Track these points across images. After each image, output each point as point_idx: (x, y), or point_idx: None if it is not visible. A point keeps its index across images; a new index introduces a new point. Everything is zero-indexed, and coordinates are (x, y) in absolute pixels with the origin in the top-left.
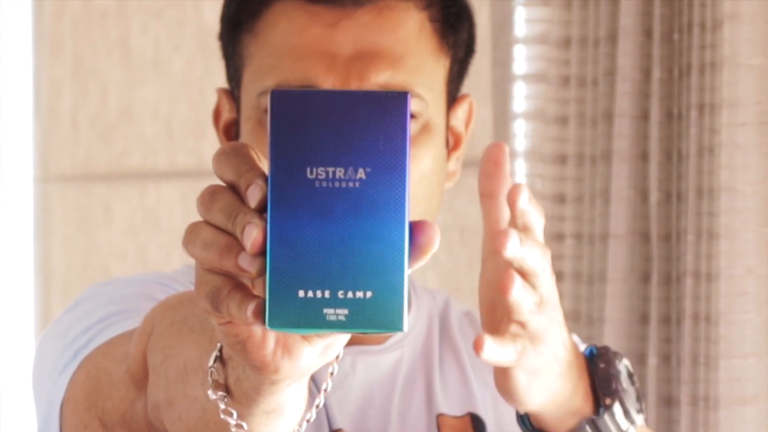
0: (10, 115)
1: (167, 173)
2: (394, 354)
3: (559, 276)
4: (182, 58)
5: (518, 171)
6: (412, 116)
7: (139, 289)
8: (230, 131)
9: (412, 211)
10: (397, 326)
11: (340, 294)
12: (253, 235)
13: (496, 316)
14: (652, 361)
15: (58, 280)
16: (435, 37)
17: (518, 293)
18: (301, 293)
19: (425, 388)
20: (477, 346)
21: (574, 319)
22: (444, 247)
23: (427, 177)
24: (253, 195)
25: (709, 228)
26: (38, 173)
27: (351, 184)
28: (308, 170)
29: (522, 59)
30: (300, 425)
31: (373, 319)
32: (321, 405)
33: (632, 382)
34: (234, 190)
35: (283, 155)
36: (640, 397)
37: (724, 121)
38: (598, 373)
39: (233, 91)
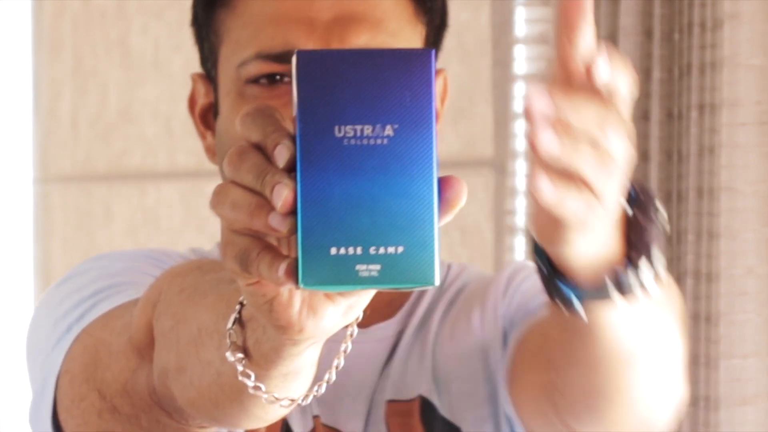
0: (10, 115)
1: (167, 173)
2: (375, 337)
3: None
4: (182, 58)
5: (518, 171)
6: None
7: (130, 264)
8: (206, 117)
9: None
10: (429, 280)
11: (372, 250)
12: (283, 194)
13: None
14: None
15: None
16: (411, 3)
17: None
18: (333, 251)
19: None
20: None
21: None
22: (444, 247)
23: None
24: (281, 155)
25: (709, 228)
26: (38, 173)
27: (379, 141)
28: (336, 129)
29: (522, 59)
30: (320, 386)
31: (406, 274)
32: (332, 380)
33: (664, 230)
34: (261, 150)
35: (310, 115)
36: (665, 240)
37: (724, 121)
38: (632, 224)
39: (209, 74)
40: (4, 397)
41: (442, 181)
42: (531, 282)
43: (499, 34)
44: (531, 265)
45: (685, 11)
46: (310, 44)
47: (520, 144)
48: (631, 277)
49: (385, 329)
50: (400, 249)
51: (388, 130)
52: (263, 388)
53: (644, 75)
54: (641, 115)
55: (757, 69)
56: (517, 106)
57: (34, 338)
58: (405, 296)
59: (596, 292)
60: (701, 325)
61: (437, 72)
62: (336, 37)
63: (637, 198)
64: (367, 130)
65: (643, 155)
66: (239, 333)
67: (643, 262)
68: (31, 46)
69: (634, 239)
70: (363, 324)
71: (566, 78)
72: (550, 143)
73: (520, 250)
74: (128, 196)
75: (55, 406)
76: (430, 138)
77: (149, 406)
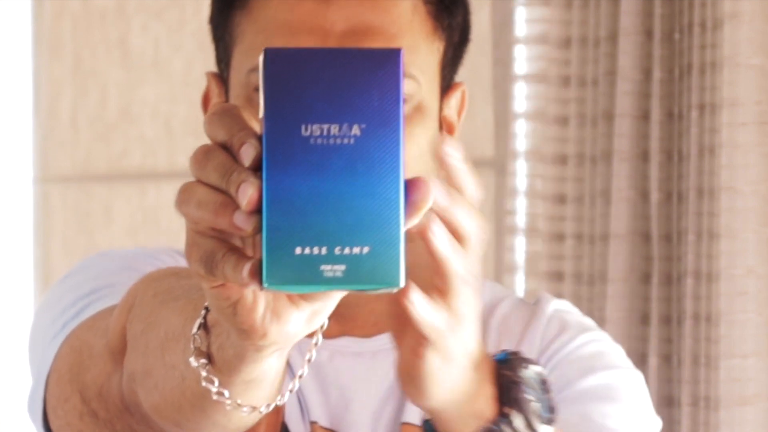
0: (10, 115)
1: (167, 173)
2: (377, 347)
3: (559, 276)
4: (182, 58)
5: (518, 171)
6: (404, 99)
7: (128, 263)
8: None
9: None
10: (394, 282)
11: (337, 250)
12: (248, 192)
13: (419, 282)
14: (653, 361)
15: None
16: (429, 20)
17: (443, 243)
18: (297, 250)
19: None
20: (402, 296)
21: None
22: None
23: (424, 157)
24: (247, 153)
25: (709, 228)
26: (38, 173)
27: (346, 141)
28: (303, 127)
29: (522, 59)
30: (283, 396)
31: (371, 275)
32: (295, 389)
33: (544, 390)
34: (227, 150)
35: (277, 113)
36: (552, 407)
37: (725, 120)
38: (501, 380)
39: (222, 74)
40: (4, 397)
41: (409, 183)
42: (569, 352)
43: (499, 34)
44: (573, 311)
45: (685, 11)
46: None
47: (520, 144)
48: (504, 430)
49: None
50: (366, 250)
51: (355, 130)
52: (226, 394)
53: (644, 75)
54: (641, 115)
55: (757, 69)
56: (518, 106)
57: (34, 333)
58: None
59: None
60: (701, 325)
61: (455, 85)
62: None
63: (508, 359)
64: (334, 129)
65: (643, 155)
66: (204, 338)
67: (514, 415)
68: (31, 46)
69: (505, 396)
70: (367, 333)
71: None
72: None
73: (520, 250)
74: (128, 196)
75: (45, 403)
76: (398, 138)
77: (121, 411)
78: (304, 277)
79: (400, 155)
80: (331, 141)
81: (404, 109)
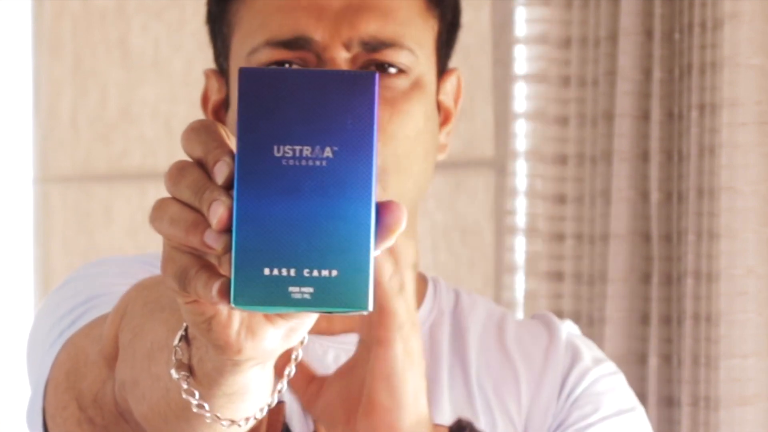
0: (10, 115)
1: None
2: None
3: (559, 276)
4: (182, 58)
5: (518, 171)
6: (403, 71)
7: (125, 270)
8: (220, 113)
9: (410, 171)
10: (362, 306)
11: (306, 272)
12: (219, 212)
13: None
14: (653, 361)
15: (58, 280)
16: None
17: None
18: (266, 271)
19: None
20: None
21: (575, 319)
22: (445, 247)
23: (423, 135)
24: (220, 171)
25: (709, 228)
26: (38, 173)
27: (318, 163)
28: (275, 148)
29: (522, 59)
30: (261, 410)
31: (338, 298)
32: (283, 390)
33: None
34: (202, 166)
35: (250, 132)
36: None
37: (725, 120)
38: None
39: (222, 68)
40: (4, 397)
41: (381, 206)
42: (582, 390)
43: (499, 34)
44: (578, 333)
45: (685, 11)
46: (319, 31)
47: (520, 144)
48: None
49: None
50: (335, 273)
51: (328, 152)
52: (207, 406)
53: (644, 75)
54: (641, 115)
55: (757, 69)
56: (518, 106)
57: (32, 341)
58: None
59: None
60: (701, 325)
61: (450, 70)
62: (346, 24)
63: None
64: (306, 150)
65: (643, 155)
66: (185, 350)
67: None
68: (31, 46)
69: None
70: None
71: None
72: None
73: (520, 250)
74: (128, 196)
75: (44, 411)
76: (370, 162)
77: (116, 418)
78: (272, 298)
79: (372, 179)
80: (303, 162)
81: (377, 129)
